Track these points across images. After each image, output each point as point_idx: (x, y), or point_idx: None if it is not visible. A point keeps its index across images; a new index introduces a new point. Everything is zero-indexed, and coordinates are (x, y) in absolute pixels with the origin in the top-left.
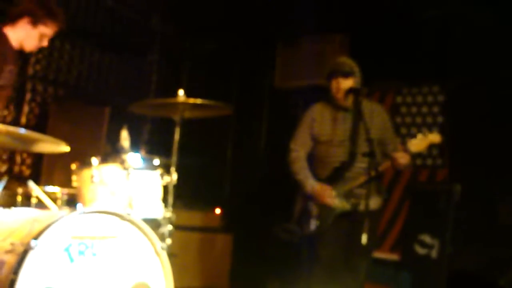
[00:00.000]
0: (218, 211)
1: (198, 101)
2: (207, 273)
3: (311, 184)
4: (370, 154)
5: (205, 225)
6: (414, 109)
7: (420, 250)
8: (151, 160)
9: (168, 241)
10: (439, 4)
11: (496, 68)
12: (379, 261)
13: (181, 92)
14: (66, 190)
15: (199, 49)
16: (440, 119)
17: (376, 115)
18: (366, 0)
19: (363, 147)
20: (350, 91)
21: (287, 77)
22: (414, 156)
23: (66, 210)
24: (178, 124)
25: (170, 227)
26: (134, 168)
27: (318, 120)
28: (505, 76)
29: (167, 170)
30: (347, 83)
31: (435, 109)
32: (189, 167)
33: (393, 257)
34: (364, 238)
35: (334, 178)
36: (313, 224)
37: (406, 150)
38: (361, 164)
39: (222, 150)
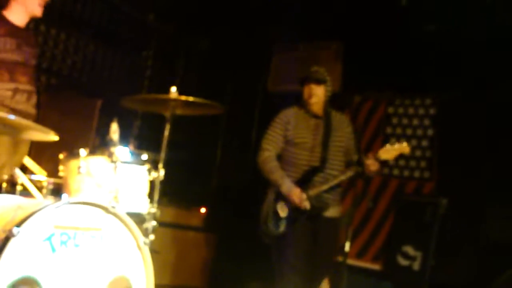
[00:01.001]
0: (203, 210)
1: (190, 98)
2: (188, 271)
3: (289, 185)
4: (358, 162)
5: (189, 223)
6: (405, 121)
7: (403, 261)
8: (140, 155)
9: (151, 237)
10: (436, 18)
11: (489, 83)
12: (360, 270)
13: (173, 88)
14: (52, 180)
15: (194, 47)
16: (430, 132)
17: (345, 126)
18: (363, 10)
19: (333, 153)
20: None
21: (280, 81)
22: (385, 164)
23: (50, 199)
24: (168, 121)
25: (154, 223)
26: (122, 162)
27: (292, 123)
28: (497, 91)
29: (154, 166)
30: (318, 90)
31: (426, 122)
32: (177, 164)
33: (375, 267)
34: (347, 246)
35: (303, 181)
36: (281, 225)
37: (376, 157)
38: (330, 170)
39: (211, 149)
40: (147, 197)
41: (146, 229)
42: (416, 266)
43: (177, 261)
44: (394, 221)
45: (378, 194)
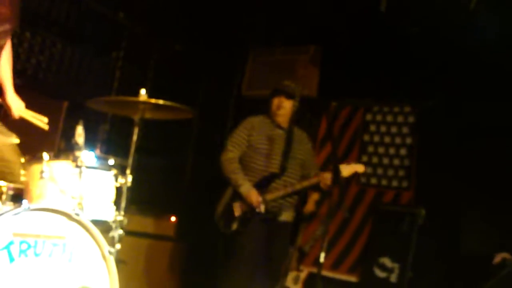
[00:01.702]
0: (173, 219)
1: (160, 102)
2: (157, 283)
3: (248, 187)
4: (334, 170)
5: (158, 232)
6: (383, 128)
7: (380, 273)
8: (106, 159)
9: (118, 246)
10: (416, 23)
11: (470, 90)
12: (336, 281)
13: (143, 91)
14: (12, 185)
15: (166, 49)
16: (409, 140)
17: (304, 142)
18: (342, 14)
19: (292, 164)
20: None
21: (255, 85)
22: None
23: (10, 205)
24: (137, 125)
25: (120, 231)
26: (87, 167)
27: (257, 130)
28: (477, 101)
29: (122, 172)
30: (287, 104)
31: (405, 129)
32: (146, 170)
33: (351, 278)
34: (321, 257)
35: (262, 186)
36: (234, 225)
37: (336, 173)
38: (288, 178)
39: (182, 155)
40: (113, 204)
41: (112, 238)
42: (393, 278)
43: (145, 272)
44: (371, 232)
45: (355, 203)
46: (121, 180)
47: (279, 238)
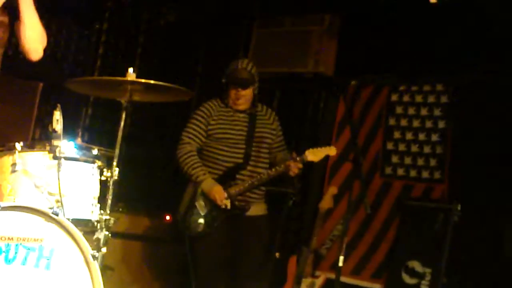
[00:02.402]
0: (168, 218)
1: (151, 82)
2: None
3: (210, 182)
4: (354, 160)
5: (150, 234)
6: (412, 110)
7: (408, 280)
8: (89, 150)
9: (103, 250)
10: None
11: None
12: None
13: (131, 70)
14: None
15: (157, 21)
16: (442, 124)
17: (270, 121)
18: None
19: (257, 150)
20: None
21: (263, 62)
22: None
23: None
24: (125, 109)
25: (106, 233)
26: (67, 158)
27: (214, 117)
28: None
29: (107, 164)
30: (246, 92)
31: (437, 112)
32: (135, 162)
33: (375, 285)
34: (340, 261)
35: (225, 179)
36: (200, 225)
37: (301, 159)
38: (254, 168)
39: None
40: (98, 201)
41: (97, 241)
42: (424, 284)
43: (135, 280)
44: (398, 231)
45: (379, 198)
46: (106, 173)
47: (250, 234)
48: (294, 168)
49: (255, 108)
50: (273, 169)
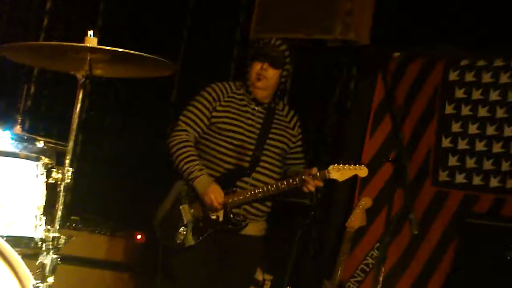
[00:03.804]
0: (139, 237)
1: (119, 50)
2: None
3: (207, 180)
4: (397, 161)
5: (115, 258)
6: (477, 93)
7: None
8: (32, 142)
9: (50, 279)
10: None
11: None
12: None
13: (90, 33)
14: None
15: None
16: None
17: (291, 125)
18: None
19: (268, 156)
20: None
21: (271, 26)
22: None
23: None
24: (82, 87)
25: (54, 256)
26: (1, 154)
27: (223, 102)
28: None
29: (58, 162)
30: (272, 74)
31: None
32: (96, 160)
33: None
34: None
35: (223, 184)
36: (181, 236)
37: (321, 174)
38: (261, 176)
39: (155, 135)
40: (43, 213)
41: (41, 267)
42: None
43: None
44: (457, 259)
45: (430, 214)
46: (56, 174)
47: (241, 258)
48: (311, 185)
49: (275, 104)
50: (285, 182)
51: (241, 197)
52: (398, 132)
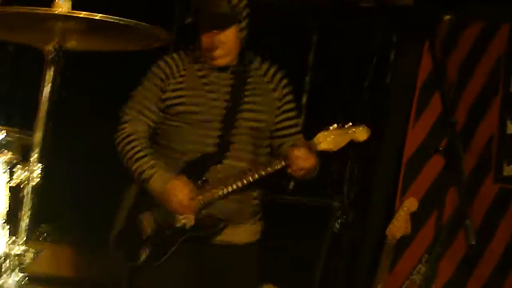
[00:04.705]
0: None
1: (96, 16)
2: None
3: (164, 176)
4: (449, 152)
5: (95, 278)
6: None
7: None
8: None
9: None
10: None
11: None
12: None
13: None
14: None
15: None
16: None
17: (279, 84)
18: None
19: (242, 134)
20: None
21: None
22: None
23: None
24: (51, 63)
25: (20, 275)
26: None
27: (177, 78)
28: None
29: (23, 156)
30: (227, 36)
31: None
32: (70, 154)
33: None
34: None
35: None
36: (144, 253)
37: (310, 146)
38: (235, 161)
39: None
40: (5, 221)
41: None
42: None
43: None
44: None
45: (493, 218)
46: (21, 173)
47: (226, 274)
48: (300, 160)
49: (245, 64)
50: (267, 166)
51: (213, 193)
52: (450, 115)
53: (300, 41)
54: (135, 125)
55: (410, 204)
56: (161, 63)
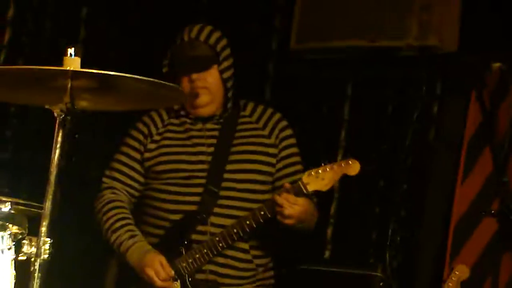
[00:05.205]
0: None
1: (110, 75)
2: None
3: (141, 249)
4: (502, 213)
5: None
6: None
7: None
8: None
9: None
10: None
11: None
12: None
13: (71, 51)
14: None
15: None
16: None
17: (275, 130)
18: None
19: (231, 184)
20: None
21: (317, 30)
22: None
23: None
24: (60, 126)
25: None
26: None
27: (157, 137)
28: None
29: (30, 230)
30: (209, 77)
31: None
32: (82, 226)
33: None
34: None
35: (171, 246)
36: None
37: (296, 190)
38: (221, 218)
39: None
40: None
41: None
42: None
43: None
44: None
45: None
46: (28, 248)
47: None
48: (287, 207)
49: (233, 112)
50: (249, 214)
51: (197, 256)
52: (502, 172)
53: (334, 94)
54: (114, 192)
55: (460, 271)
56: (139, 124)
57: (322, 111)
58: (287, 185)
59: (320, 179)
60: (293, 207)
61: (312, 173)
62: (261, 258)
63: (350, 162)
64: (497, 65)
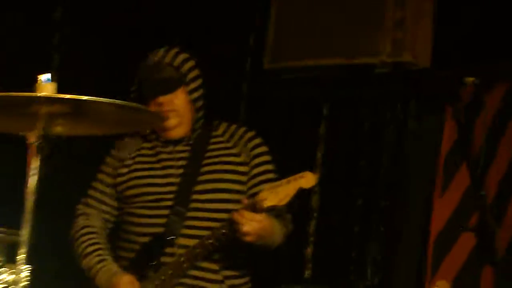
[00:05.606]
0: None
1: (86, 100)
2: None
3: (109, 272)
4: (480, 228)
5: None
6: None
7: None
8: None
9: None
10: None
11: None
12: None
13: (44, 77)
14: None
15: None
16: None
17: (248, 145)
18: None
19: (199, 205)
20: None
21: (291, 50)
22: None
23: None
24: (38, 152)
25: None
26: None
27: (125, 162)
28: None
29: (8, 257)
30: (176, 99)
31: None
32: (61, 252)
33: None
34: None
35: (138, 267)
36: None
37: (253, 207)
38: (189, 239)
39: None
40: None
41: None
42: None
43: None
44: None
45: None
46: (7, 276)
47: None
48: (244, 224)
49: (204, 133)
50: (211, 233)
51: (163, 278)
52: (479, 187)
53: (310, 112)
54: (86, 220)
55: (441, 286)
56: (112, 151)
57: (298, 130)
58: (245, 201)
59: (275, 194)
60: (250, 224)
61: (269, 188)
62: (234, 279)
63: (303, 175)
64: (470, 79)
